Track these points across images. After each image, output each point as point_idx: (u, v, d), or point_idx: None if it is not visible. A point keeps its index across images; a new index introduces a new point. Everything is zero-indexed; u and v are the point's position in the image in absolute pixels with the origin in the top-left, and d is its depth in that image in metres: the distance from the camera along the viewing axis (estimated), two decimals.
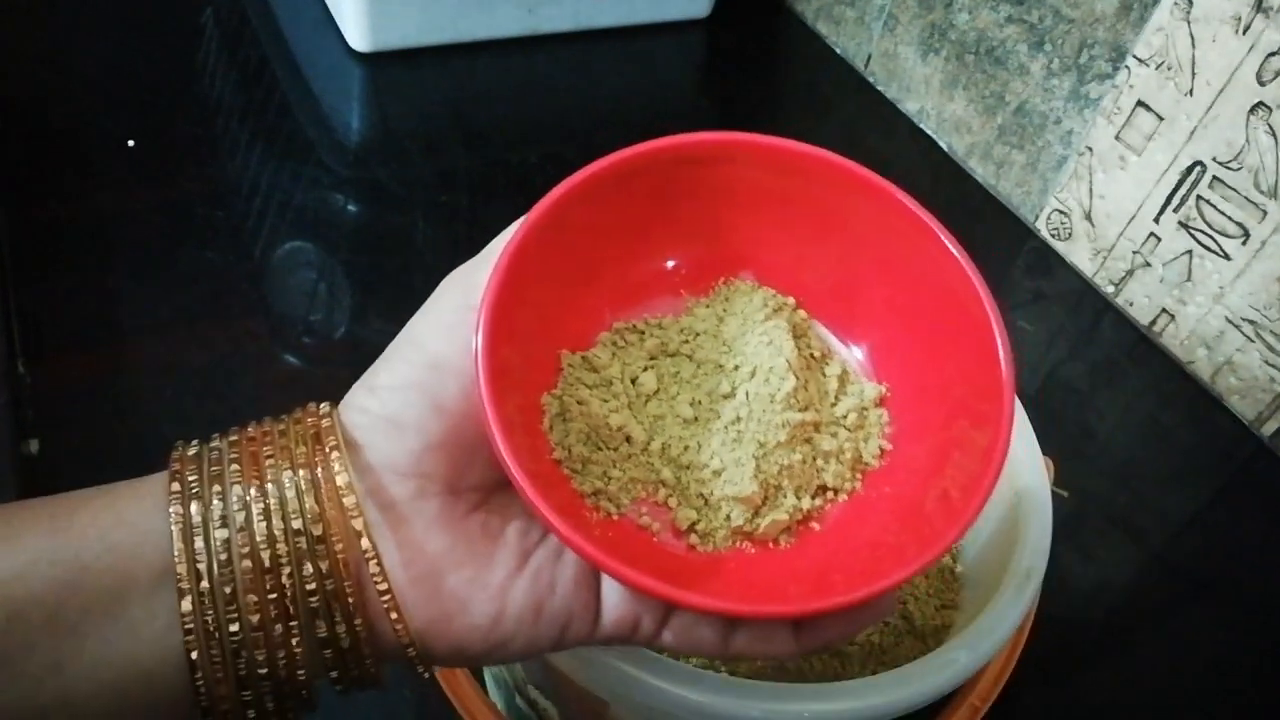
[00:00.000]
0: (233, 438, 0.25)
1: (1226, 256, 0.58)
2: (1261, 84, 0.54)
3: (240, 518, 0.23)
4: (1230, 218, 0.57)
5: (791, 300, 0.29)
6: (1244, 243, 0.57)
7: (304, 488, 0.23)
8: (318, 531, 0.23)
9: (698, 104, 0.81)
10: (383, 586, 0.24)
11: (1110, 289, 0.65)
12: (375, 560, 0.23)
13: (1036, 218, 0.69)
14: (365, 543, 0.23)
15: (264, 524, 0.23)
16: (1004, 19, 0.68)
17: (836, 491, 0.28)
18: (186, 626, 0.22)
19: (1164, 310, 0.62)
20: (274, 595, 0.23)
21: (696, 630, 0.25)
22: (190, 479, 0.23)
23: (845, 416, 0.28)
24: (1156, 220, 0.61)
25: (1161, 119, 0.59)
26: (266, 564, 0.23)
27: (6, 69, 0.70)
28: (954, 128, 0.74)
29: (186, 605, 0.22)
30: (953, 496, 0.25)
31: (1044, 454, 0.38)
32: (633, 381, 0.28)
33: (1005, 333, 0.25)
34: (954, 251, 0.26)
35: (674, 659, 0.30)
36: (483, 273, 0.25)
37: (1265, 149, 0.54)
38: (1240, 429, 0.59)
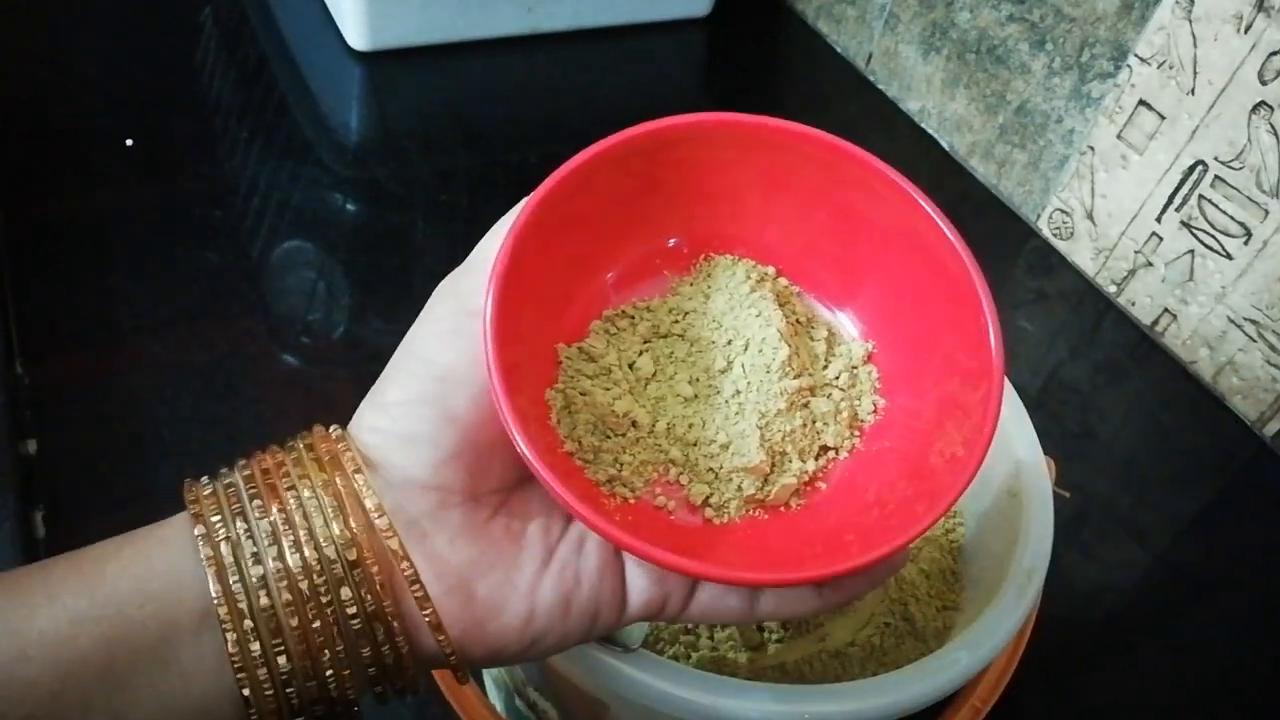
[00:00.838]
0: (246, 472, 0.25)
1: (1228, 256, 0.58)
2: (1263, 83, 0.53)
3: (273, 552, 0.23)
4: (1232, 217, 0.57)
5: (772, 269, 0.30)
6: (1246, 242, 0.56)
7: (331, 514, 0.24)
8: (351, 556, 0.23)
9: (698, 103, 0.81)
10: (426, 605, 0.24)
11: (1112, 289, 0.65)
12: (415, 579, 0.24)
13: (1038, 217, 0.69)
14: (405, 564, 0.24)
15: (297, 555, 0.23)
16: (1005, 18, 0.68)
17: (837, 450, 0.28)
18: (235, 664, 0.23)
19: (1166, 310, 0.62)
20: (317, 624, 0.23)
21: (723, 601, 0.26)
22: (213, 519, 0.24)
23: (837, 377, 0.29)
24: (1158, 220, 0.61)
25: (1163, 118, 0.59)
26: (306, 594, 0.23)
27: (5, 68, 0.70)
28: (955, 127, 0.74)
29: (233, 645, 0.22)
30: (955, 449, 0.25)
31: (1045, 454, 0.38)
32: (630, 366, 0.28)
33: (987, 288, 0.26)
34: (930, 212, 0.27)
35: (676, 657, 0.30)
36: (473, 279, 0.26)
37: (1267, 148, 0.54)
38: (1242, 429, 0.59)
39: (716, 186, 0.29)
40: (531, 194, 0.26)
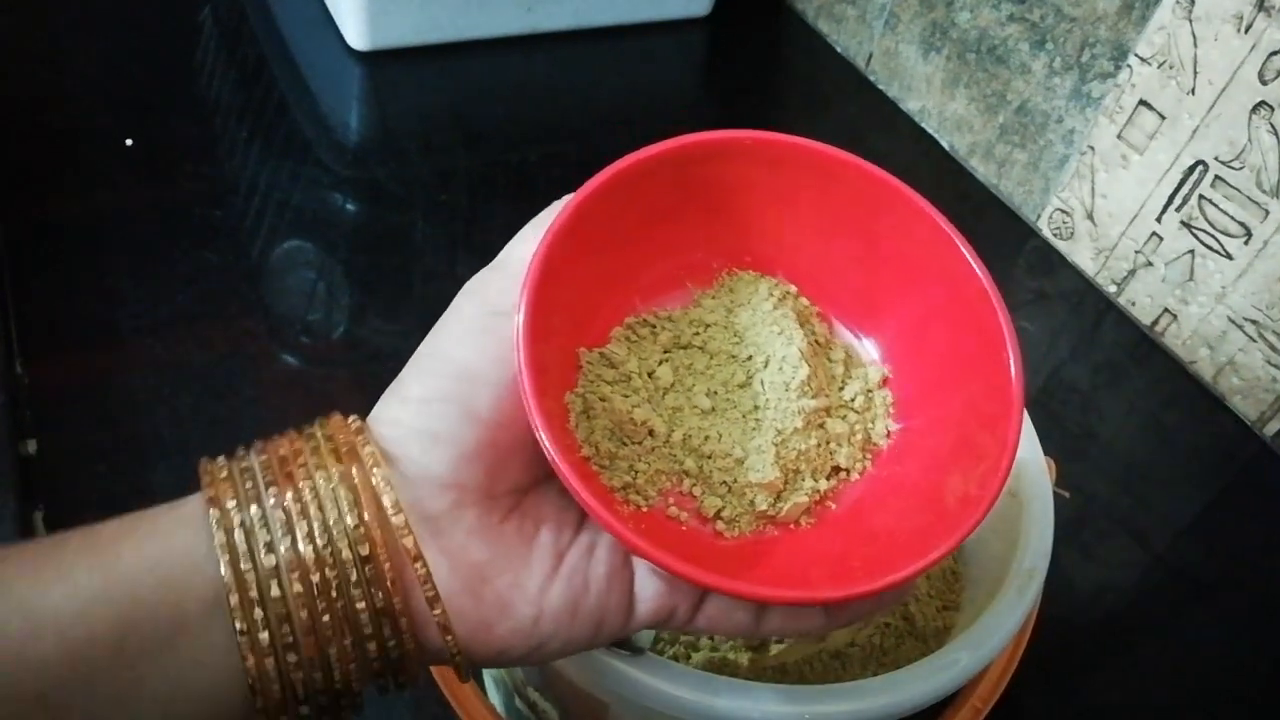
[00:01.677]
0: (263, 456, 0.25)
1: (1229, 256, 0.58)
2: (1264, 83, 0.53)
3: (286, 542, 0.23)
4: (1232, 217, 0.57)
5: (794, 288, 0.30)
6: (1246, 242, 0.56)
7: (346, 508, 0.24)
8: (365, 551, 0.23)
9: (698, 103, 0.81)
10: (435, 604, 0.24)
11: (1112, 289, 0.65)
12: (427, 578, 0.24)
13: (1038, 217, 0.69)
14: (419, 564, 0.24)
15: (310, 546, 0.23)
16: (1005, 17, 0.68)
17: (849, 472, 0.29)
18: (244, 650, 0.23)
19: (1166, 310, 0.62)
20: (326, 617, 0.23)
21: (731, 615, 0.26)
22: (229, 504, 0.23)
23: (853, 400, 0.29)
24: (1159, 220, 0.61)
25: (1164, 118, 0.59)
26: (317, 586, 0.23)
27: (5, 68, 0.70)
28: (955, 127, 0.74)
29: (241, 633, 0.22)
30: (969, 488, 0.26)
31: (1045, 454, 0.38)
32: (650, 375, 0.28)
33: (1015, 334, 0.26)
34: (962, 249, 0.27)
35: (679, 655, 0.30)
36: (502, 280, 0.26)
37: (1267, 148, 0.54)
38: (1243, 429, 0.59)
39: (748, 203, 0.29)
40: (568, 199, 0.26)
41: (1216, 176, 0.57)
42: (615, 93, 0.78)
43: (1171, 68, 0.58)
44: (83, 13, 0.76)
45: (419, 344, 0.26)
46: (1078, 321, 0.64)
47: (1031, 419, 0.39)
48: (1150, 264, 0.62)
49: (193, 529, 0.23)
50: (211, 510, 0.23)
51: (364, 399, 0.27)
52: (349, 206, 0.64)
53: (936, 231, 0.28)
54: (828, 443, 0.28)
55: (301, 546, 0.23)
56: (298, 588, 0.23)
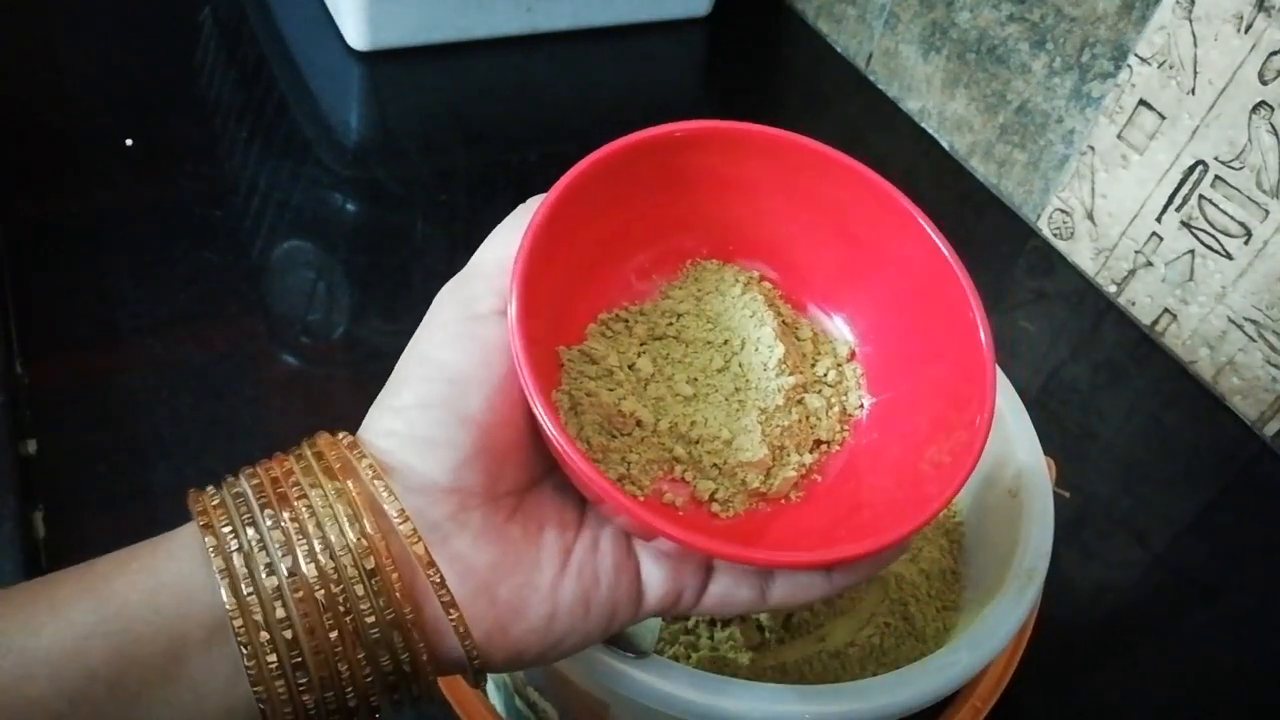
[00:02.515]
0: (255, 481, 0.24)
1: (1229, 256, 0.58)
2: (1264, 83, 0.53)
3: (287, 562, 0.23)
4: (1232, 217, 0.57)
5: (757, 274, 0.31)
6: (1246, 242, 0.56)
7: (347, 522, 0.23)
8: (369, 565, 0.23)
9: (698, 103, 0.81)
10: (452, 610, 0.24)
11: (1112, 289, 0.65)
12: (441, 583, 0.24)
13: (1038, 217, 0.69)
14: (432, 570, 0.24)
15: (312, 565, 0.23)
16: (1005, 17, 0.68)
17: (830, 444, 0.29)
18: (252, 676, 0.22)
19: (1166, 310, 0.62)
20: (335, 634, 0.23)
21: (736, 592, 0.27)
22: (224, 529, 0.23)
23: (825, 374, 0.30)
24: (1158, 220, 0.61)
25: (1163, 118, 0.59)
26: (323, 603, 0.23)
27: (5, 68, 0.70)
28: (955, 127, 0.74)
29: (248, 658, 0.22)
30: (945, 452, 0.26)
31: (1045, 454, 0.38)
32: (630, 368, 0.29)
33: (985, 316, 0.27)
34: (927, 228, 0.28)
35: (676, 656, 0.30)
36: (479, 284, 0.26)
37: (1267, 148, 0.54)
38: (1243, 429, 0.59)
39: (716, 192, 0.30)
40: (537, 200, 0.26)
41: (1216, 176, 0.57)
42: (615, 93, 0.78)
43: (1171, 68, 0.58)
44: (83, 13, 0.76)
45: None
46: (1078, 321, 0.64)
47: (1031, 419, 0.39)
48: (1150, 264, 0.62)
49: (188, 557, 0.23)
50: (206, 537, 0.23)
51: (364, 399, 0.27)
52: (349, 206, 0.64)
53: (902, 213, 0.28)
54: (808, 418, 0.29)
55: (304, 565, 0.23)
56: (303, 607, 0.23)
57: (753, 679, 0.31)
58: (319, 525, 0.23)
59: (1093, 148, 0.64)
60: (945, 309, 0.28)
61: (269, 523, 0.23)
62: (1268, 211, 0.55)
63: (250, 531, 0.23)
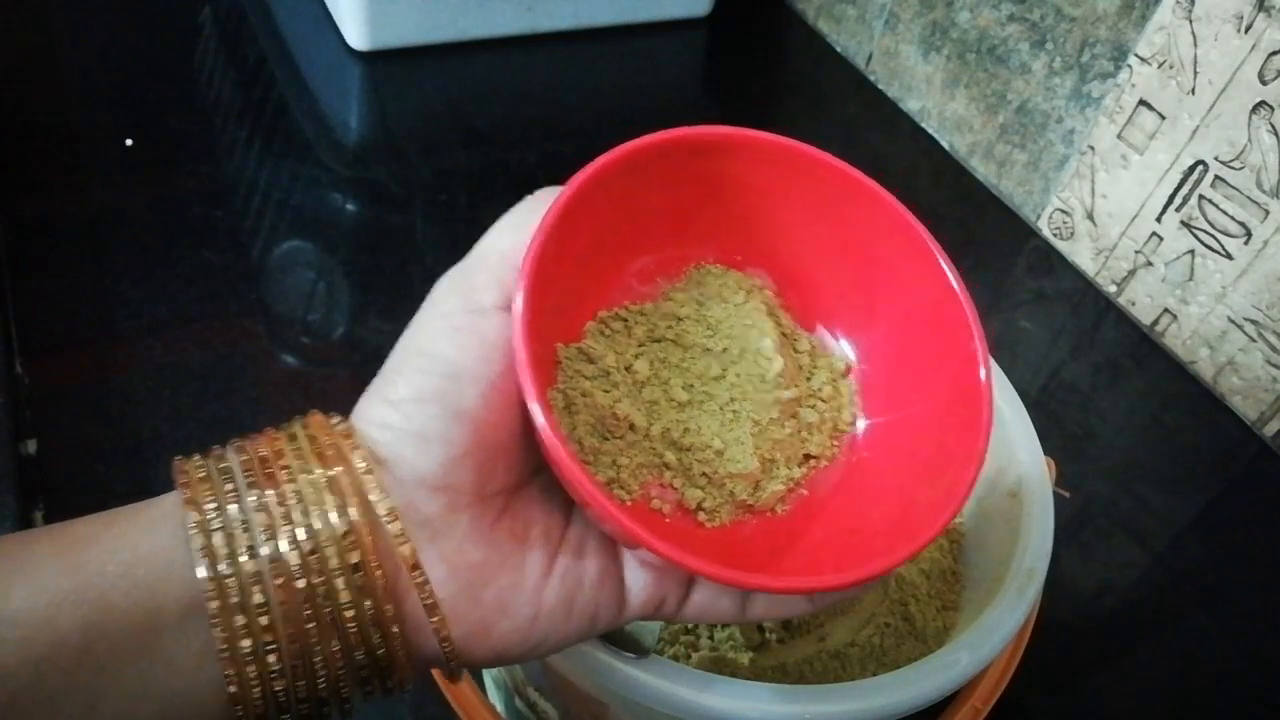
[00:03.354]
0: (243, 457, 0.24)
1: (1229, 256, 0.58)
2: (1264, 83, 0.53)
3: (269, 548, 0.22)
4: (1232, 217, 0.57)
5: (759, 282, 0.31)
6: (1246, 242, 0.56)
7: (335, 513, 0.23)
8: (354, 559, 0.23)
9: (698, 103, 0.81)
10: (435, 611, 0.23)
11: (1112, 289, 0.65)
12: (424, 585, 0.23)
13: (1038, 217, 0.69)
14: (416, 572, 0.23)
15: (295, 553, 0.22)
16: (1005, 18, 0.68)
17: (819, 459, 0.29)
18: (224, 658, 0.22)
19: (1166, 310, 0.62)
20: (312, 624, 0.22)
21: (717, 603, 0.26)
22: (208, 505, 0.23)
23: (820, 389, 0.30)
24: (1159, 220, 0.61)
25: (1163, 118, 0.59)
26: (302, 593, 0.22)
27: (5, 68, 0.70)
28: (955, 127, 0.74)
29: (222, 640, 0.22)
30: (937, 483, 0.26)
31: (1045, 454, 0.38)
32: (627, 369, 0.28)
33: (983, 335, 0.27)
34: (935, 252, 0.28)
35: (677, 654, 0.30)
36: (482, 275, 0.25)
37: (1267, 148, 0.54)
38: (1243, 430, 0.59)
39: (727, 199, 0.29)
40: (546, 193, 0.26)
41: (1216, 176, 0.57)
42: (615, 93, 0.78)
43: (1171, 68, 0.58)
44: (82, 12, 0.76)
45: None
46: (1078, 321, 0.64)
47: (1031, 419, 0.39)
48: (1150, 264, 0.62)
49: (169, 530, 0.22)
50: (190, 512, 0.22)
51: (366, 393, 0.27)
52: (349, 206, 0.64)
53: (911, 234, 0.28)
54: (800, 431, 0.29)
55: (286, 551, 0.22)
56: (281, 594, 0.22)
57: (753, 679, 0.31)
58: (305, 512, 0.23)
59: (1093, 148, 0.64)
60: (948, 339, 0.28)
61: (254, 502, 0.23)
62: (1268, 211, 0.55)
63: (234, 510, 0.22)
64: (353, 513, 0.23)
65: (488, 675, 0.40)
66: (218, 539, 0.22)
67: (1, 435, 0.47)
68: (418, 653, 0.24)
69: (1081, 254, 0.67)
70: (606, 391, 0.27)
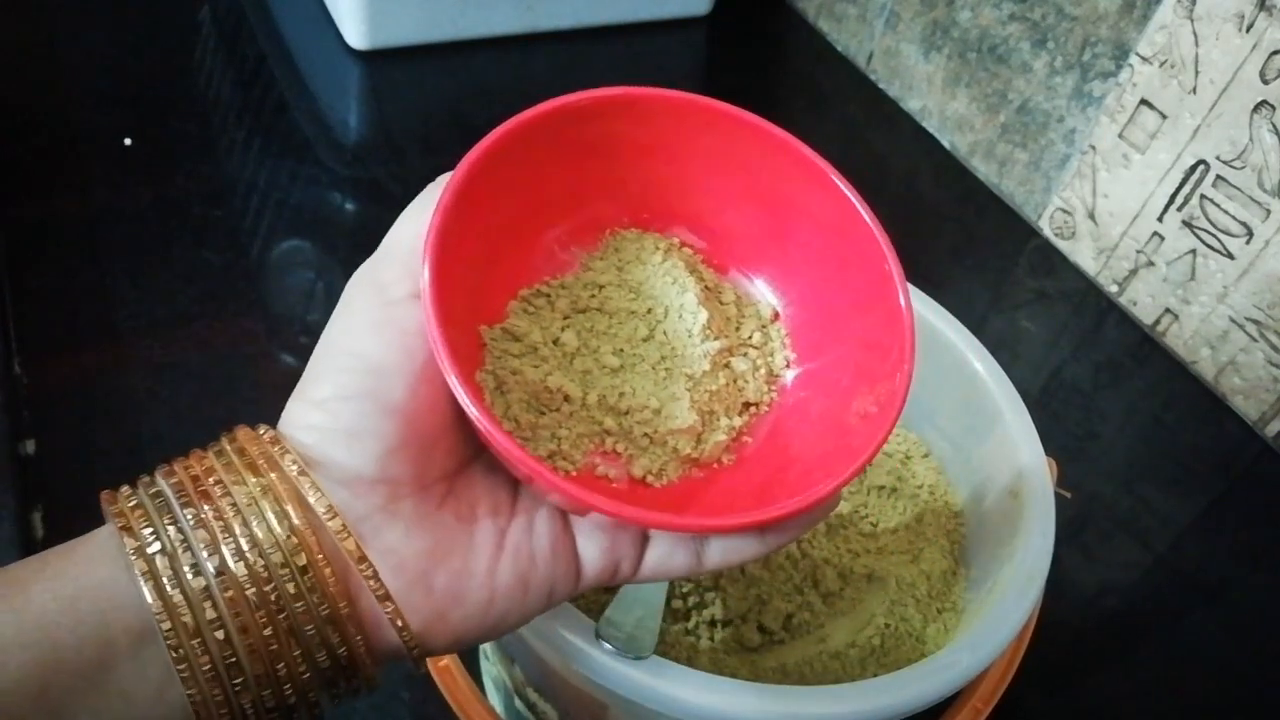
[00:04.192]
0: (173, 479, 0.24)
1: (1230, 256, 0.57)
2: (1265, 82, 0.53)
3: (214, 562, 0.22)
4: (1234, 217, 0.57)
5: (676, 240, 0.31)
6: (1248, 242, 0.56)
7: (275, 519, 0.23)
8: (301, 561, 0.23)
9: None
10: (387, 603, 0.23)
11: (1114, 288, 0.65)
12: (374, 576, 0.23)
13: (1039, 216, 0.69)
14: (364, 565, 0.23)
15: (241, 563, 0.22)
16: (1006, 17, 0.68)
17: (758, 405, 0.30)
18: (184, 678, 0.22)
19: (1167, 310, 0.62)
20: (269, 631, 0.22)
21: (672, 558, 0.27)
22: (144, 530, 0.22)
23: (750, 336, 0.30)
24: (1160, 219, 0.61)
25: (1165, 117, 0.59)
26: (255, 602, 0.22)
27: (4, 67, 0.70)
28: (956, 126, 0.74)
29: (180, 661, 0.22)
30: (870, 405, 0.27)
31: (1046, 455, 0.38)
32: (555, 343, 0.29)
33: (898, 262, 0.28)
34: (842, 188, 0.28)
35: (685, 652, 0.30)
36: (392, 269, 0.25)
37: (1269, 148, 0.54)
38: (1244, 430, 0.59)
39: (630, 160, 0.30)
40: (446, 177, 0.26)
41: (1218, 176, 0.57)
42: None
43: (1173, 67, 0.58)
44: (82, 12, 0.75)
45: None
46: (1079, 321, 0.64)
47: (1033, 419, 0.39)
48: (1152, 264, 0.62)
49: (107, 561, 0.22)
50: (126, 539, 0.22)
51: (291, 398, 0.26)
52: (348, 206, 0.63)
53: (810, 168, 0.28)
54: (735, 381, 0.29)
55: (232, 563, 0.22)
56: (234, 607, 0.22)
57: (752, 680, 0.31)
58: (245, 523, 0.23)
59: (1094, 147, 0.64)
60: (863, 264, 0.28)
61: (191, 521, 0.22)
62: (1269, 211, 0.55)
63: (172, 531, 0.22)
64: (293, 516, 0.23)
65: (487, 676, 0.40)
66: (160, 561, 0.22)
67: (0, 435, 0.47)
68: (378, 647, 0.24)
69: (1083, 254, 0.66)
70: (536, 366, 0.27)
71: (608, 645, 0.29)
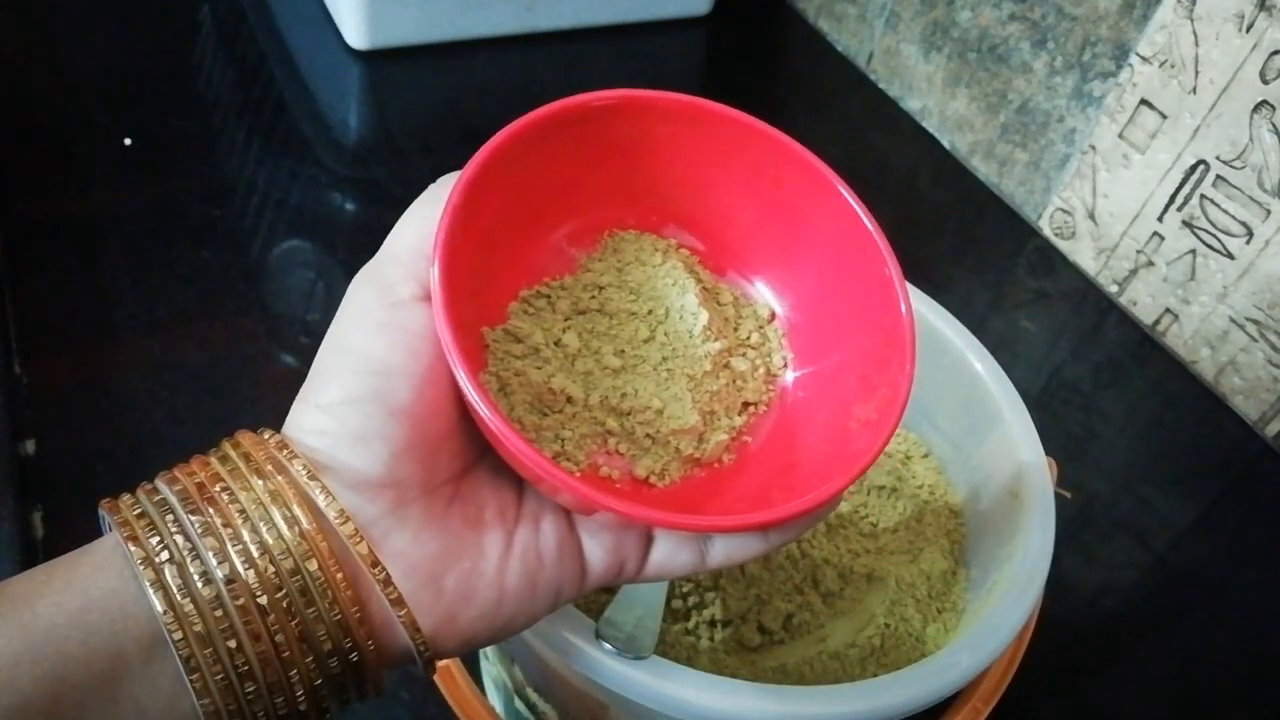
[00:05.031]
0: (177, 486, 0.23)
1: (1230, 256, 0.57)
2: (1265, 82, 0.53)
3: (224, 569, 0.22)
4: (1234, 217, 0.57)
5: (674, 242, 0.31)
6: (1248, 242, 0.56)
7: (285, 525, 0.23)
8: (312, 567, 0.22)
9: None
10: (400, 606, 0.23)
11: (1114, 288, 0.65)
12: (387, 581, 0.23)
13: (1039, 216, 0.69)
14: (377, 569, 0.23)
15: (251, 571, 0.22)
16: (1006, 16, 0.68)
17: (757, 405, 0.30)
18: (197, 688, 0.22)
19: (1167, 310, 0.62)
20: (281, 637, 0.22)
21: (676, 557, 0.27)
22: (151, 540, 0.22)
23: (748, 337, 0.30)
24: (1160, 219, 0.61)
25: (1165, 117, 0.59)
26: (266, 609, 0.22)
27: (3, 67, 0.70)
28: (956, 126, 0.74)
29: (192, 671, 0.21)
30: (870, 411, 0.27)
31: (1046, 455, 0.38)
32: (556, 344, 0.29)
33: (900, 271, 0.28)
34: (844, 194, 0.28)
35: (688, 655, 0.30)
36: (395, 269, 0.25)
37: (1269, 148, 0.54)
38: (1244, 430, 0.59)
39: (633, 162, 0.30)
40: (456, 176, 0.26)
41: (1218, 176, 0.57)
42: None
43: (1173, 67, 0.58)
44: (81, 11, 0.75)
45: None
46: (1079, 321, 0.64)
47: (1033, 419, 0.39)
48: (1152, 264, 0.62)
49: (114, 571, 0.22)
50: (132, 549, 0.22)
51: (296, 401, 0.26)
52: (348, 206, 0.63)
53: (818, 178, 0.29)
54: (735, 380, 0.29)
55: (242, 570, 0.22)
56: (245, 615, 0.22)
57: (753, 680, 0.31)
58: (254, 528, 0.22)
59: (1094, 147, 0.64)
60: (863, 267, 0.28)
61: (199, 529, 0.22)
62: (1269, 211, 0.55)
63: (179, 539, 0.22)
64: (302, 520, 0.23)
65: (487, 676, 0.40)
66: (169, 571, 0.22)
67: (0, 435, 0.47)
68: (389, 651, 0.24)
69: (1083, 254, 0.66)
70: (539, 368, 0.28)
71: (608, 645, 0.29)
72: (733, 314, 0.31)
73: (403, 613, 0.23)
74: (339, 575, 0.23)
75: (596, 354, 0.29)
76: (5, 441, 0.47)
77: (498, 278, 0.29)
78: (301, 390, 0.25)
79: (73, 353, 0.52)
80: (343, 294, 0.26)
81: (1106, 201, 0.64)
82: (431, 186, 0.26)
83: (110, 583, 0.22)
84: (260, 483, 0.23)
